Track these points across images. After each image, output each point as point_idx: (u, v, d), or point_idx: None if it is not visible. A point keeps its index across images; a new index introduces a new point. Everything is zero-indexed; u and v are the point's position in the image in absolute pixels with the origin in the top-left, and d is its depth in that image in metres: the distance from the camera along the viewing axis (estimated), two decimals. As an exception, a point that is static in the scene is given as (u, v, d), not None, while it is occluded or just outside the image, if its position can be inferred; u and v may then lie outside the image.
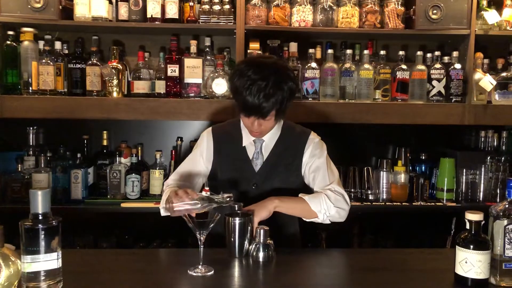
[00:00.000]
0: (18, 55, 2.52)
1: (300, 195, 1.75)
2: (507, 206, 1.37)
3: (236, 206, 1.60)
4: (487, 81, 2.57)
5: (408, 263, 1.59)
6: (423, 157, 2.83)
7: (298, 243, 1.95)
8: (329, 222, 1.77)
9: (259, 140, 1.84)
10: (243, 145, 1.86)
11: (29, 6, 2.40)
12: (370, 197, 2.70)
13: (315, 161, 1.84)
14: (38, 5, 2.40)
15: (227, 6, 2.53)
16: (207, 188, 1.62)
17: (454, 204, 2.66)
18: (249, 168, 1.84)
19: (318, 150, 1.86)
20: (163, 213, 1.75)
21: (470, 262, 1.33)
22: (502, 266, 1.35)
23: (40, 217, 1.21)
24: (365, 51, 2.63)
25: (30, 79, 2.50)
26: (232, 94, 1.75)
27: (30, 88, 2.51)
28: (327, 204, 1.72)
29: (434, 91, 2.63)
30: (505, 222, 1.35)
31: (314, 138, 1.89)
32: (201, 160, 1.89)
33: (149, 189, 2.67)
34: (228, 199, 1.53)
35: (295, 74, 1.84)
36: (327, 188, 1.78)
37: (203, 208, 1.48)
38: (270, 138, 1.85)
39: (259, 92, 1.62)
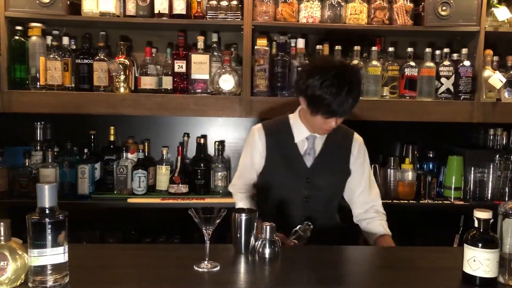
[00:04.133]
0: (26, 50, 2.53)
1: (384, 232, 1.95)
2: (516, 204, 1.35)
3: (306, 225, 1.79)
4: (496, 79, 2.55)
5: (415, 261, 1.58)
6: (431, 155, 2.82)
7: (338, 238, 2.01)
8: None
9: (312, 136, 1.90)
10: (295, 141, 1.90)
11: (37, 1, 2.41)
12: (377, 195, 2.68)
13: (360, 168, 1.96)
14: (46, 0, 2.41)
15: (234, 2, 2.52)
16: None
17: (461, 202, 2.64)
18: (302, 164, 1.89)
19: (362, 154, 1.97)
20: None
21: (479, 261, 1.31)
22: (511, 265, 1.34)
23: (47, 211, 1.21)
24: (373, 48, 2.61)
25: (38, 74, 2.51)
26: (309, 100, 1.76)
27: (38, 83, 2.52)
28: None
29: (442, 89, 2.61)
30: (514, 220, 1.33)
31: (357, 138, 1.99)
32: (257, 156, 1.95)
33: (155, 185, 2.68)
34: (307, 226, 1.77)
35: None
36: (380, 212, 1.98)
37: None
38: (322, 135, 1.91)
39: (348, 96, 1.70)
